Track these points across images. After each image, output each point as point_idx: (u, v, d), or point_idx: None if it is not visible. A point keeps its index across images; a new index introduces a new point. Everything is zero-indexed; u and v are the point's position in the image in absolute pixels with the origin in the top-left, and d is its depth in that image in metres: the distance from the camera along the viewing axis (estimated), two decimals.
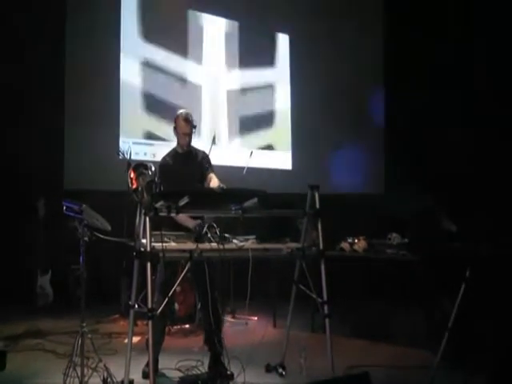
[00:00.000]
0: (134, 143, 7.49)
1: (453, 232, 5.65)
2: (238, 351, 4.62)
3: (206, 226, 3.98)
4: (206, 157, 4.91)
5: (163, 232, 3.72)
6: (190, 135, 4.71)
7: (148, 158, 7.54)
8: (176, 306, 6.21)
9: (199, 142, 5.27)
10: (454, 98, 8.23)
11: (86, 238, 4.31)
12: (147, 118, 7.93)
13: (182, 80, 8.34)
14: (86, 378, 4.12)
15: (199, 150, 4.92)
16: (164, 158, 4.78)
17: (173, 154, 4.80)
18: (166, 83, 8.19)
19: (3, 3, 7.12)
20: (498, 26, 8.05)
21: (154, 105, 7.96)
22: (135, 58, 7.99)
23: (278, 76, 9.10)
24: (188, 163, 4.71)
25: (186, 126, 4.68)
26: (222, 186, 4.33)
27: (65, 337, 5.47)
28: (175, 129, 4.73)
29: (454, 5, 8.51)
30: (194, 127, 4.73)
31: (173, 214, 3.84)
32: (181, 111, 4.79)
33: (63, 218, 4.43)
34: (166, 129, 7.13)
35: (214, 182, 4.64)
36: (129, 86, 7.89)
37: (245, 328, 6.48)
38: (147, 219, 3.59)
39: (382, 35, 9.31)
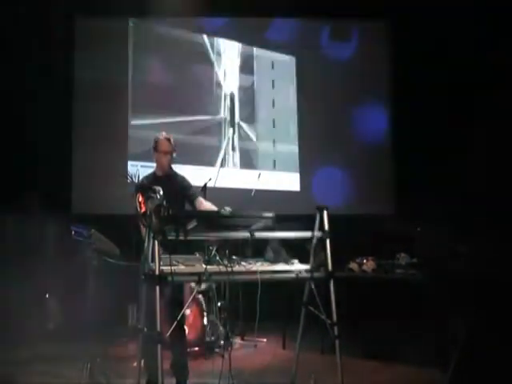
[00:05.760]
0: (142, 166, 7.51)
1: (462, 252, 5.64)
2: (247, 373, 4.61)
3: (215, 248, 3.98)
4: (186, 182, 4.86)
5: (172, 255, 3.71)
6: (170, 154, 4.72)
7: None
8: (185, 328, 6.19)
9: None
10: (463, 116, 8.20)
11: (94, 262, 4.33)
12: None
13: None
14: None
15: (178, 174, 4.88)
16: (142, 181, 4.39)
17: (152, 177, 4.72)
18: None
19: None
20: None
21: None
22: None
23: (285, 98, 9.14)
24: (168, 187, 4.04)
25: (167, 144, 4.71)
26: (228, 209, 4.32)
27: (74, 361, 5.46)
28: (154, 149, 4.74)
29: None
30: (174, 151, 4.75)
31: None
32: (162, 132, 4.83)
33: (72, 242, 4.45)
34: None
35: (205, 205, 4.62)
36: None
37: (254, 350, 6.45)
38: (156, 243, 3.60)
39: (389, 55, 9.31)
